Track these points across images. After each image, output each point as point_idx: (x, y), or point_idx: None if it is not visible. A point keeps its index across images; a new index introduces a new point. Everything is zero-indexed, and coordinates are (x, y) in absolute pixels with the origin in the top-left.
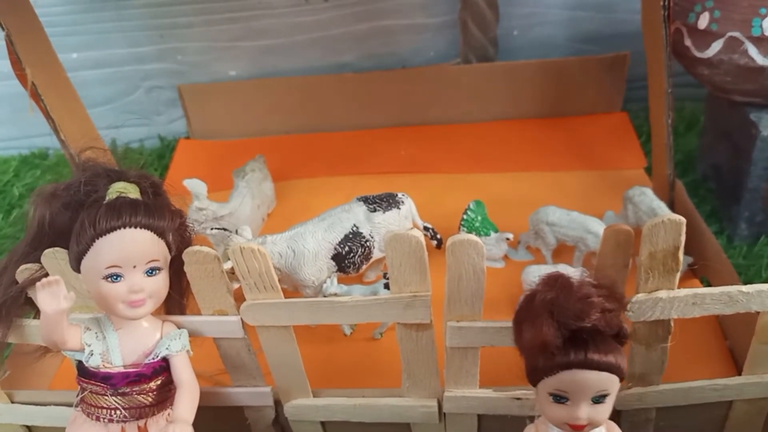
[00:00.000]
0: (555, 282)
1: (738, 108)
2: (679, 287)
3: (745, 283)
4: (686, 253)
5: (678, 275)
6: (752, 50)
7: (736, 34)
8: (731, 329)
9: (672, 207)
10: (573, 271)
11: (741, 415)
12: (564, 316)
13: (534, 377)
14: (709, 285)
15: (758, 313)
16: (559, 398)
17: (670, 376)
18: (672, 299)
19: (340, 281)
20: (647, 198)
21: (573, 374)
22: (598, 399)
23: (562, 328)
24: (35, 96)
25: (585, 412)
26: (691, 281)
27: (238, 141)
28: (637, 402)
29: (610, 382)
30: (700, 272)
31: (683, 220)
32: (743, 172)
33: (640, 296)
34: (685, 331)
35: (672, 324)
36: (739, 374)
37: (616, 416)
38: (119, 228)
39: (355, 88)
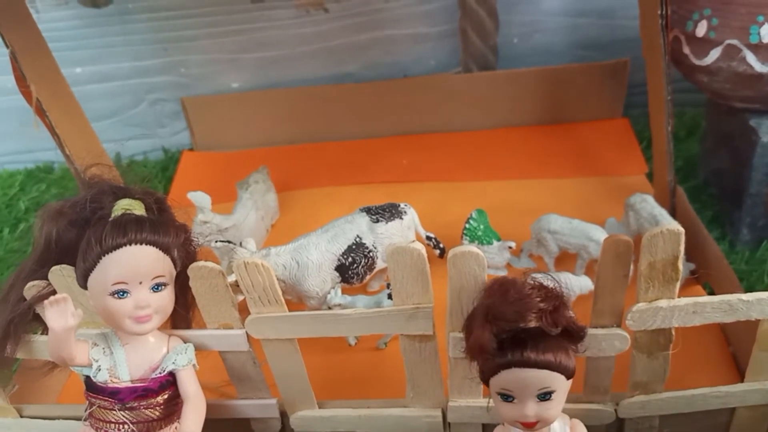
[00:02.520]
0: (493, 286)
1: (738, 114)
2: (681, 294)
3: (748, 288)
4: (688, 259)
5: (678, 284)
6: (750, 57)
7: (735, 41)
8: (734, 335)
9: (673, 213)
10: (575, 279)
11: (744, 421)
12: (500, 318)
13: (483, 378)
14: (711, 291)
15: (759, 320)
16: (506, 397)
17: (673, 383)
18: (672, 308)
19: (344, 292)
20: (648, 205)
21: (512, 373)
22: (544, 396)
23: (501, 331)
24: (40, 112)
25: (532, 409)
26: (693, 288)
27: (242, 152)
28: (640, 410)
29: (551, 380)
30: (702, 279)
31: (682, 230)
32: (744, 178)
33: (641, 305)
34: (687, 338)
35: (673, 333)
36: (742, 381)
37: (620, 424)
38: (125, 245)
39: (357, 98)
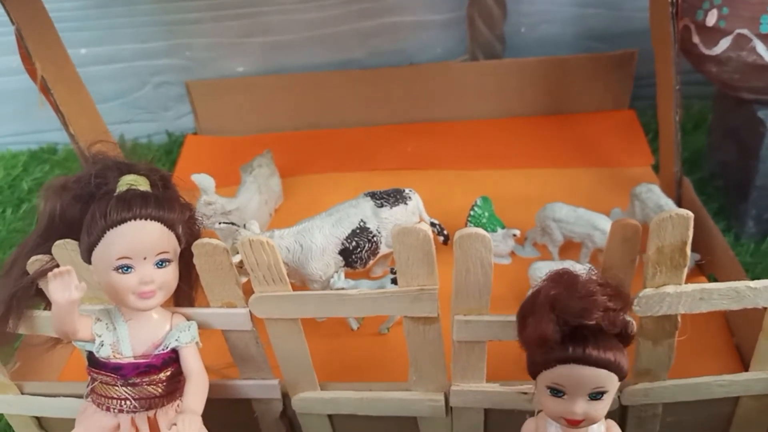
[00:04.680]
0: (560, 278)
1: (746, 105)
2: (686, 283)
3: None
4: (693, 250)
5: (685, 270)
6: (760, 47)
7: (745, 31)
8: (738, 326)
9: (679, 204)
10: (580, 268)
11: (748, 411)
12: (565, 312)
13: (533, 370)
14: (716, 282)
15: (765, 309)
16: (557, 392)
17: (677, 371)
18: (679, 294)
19: (347, 276)
20: (654, 195)
21: (570, 369)
22: (595, 395)
23: (563, 324)
24: (45, 90)
25: (581, 407)
26: (698, 278)
27: (246, 137)
28: (643, 397)
29: (607, 380)
30: (707, 269)
31: (691, 214)
32: (751, 170)
33: (648, 291)
34: (692, 328)
35: (679, 319)
36: (746, 371)
37: (622, 411)
38: (130, 220)
39: (362, 85)
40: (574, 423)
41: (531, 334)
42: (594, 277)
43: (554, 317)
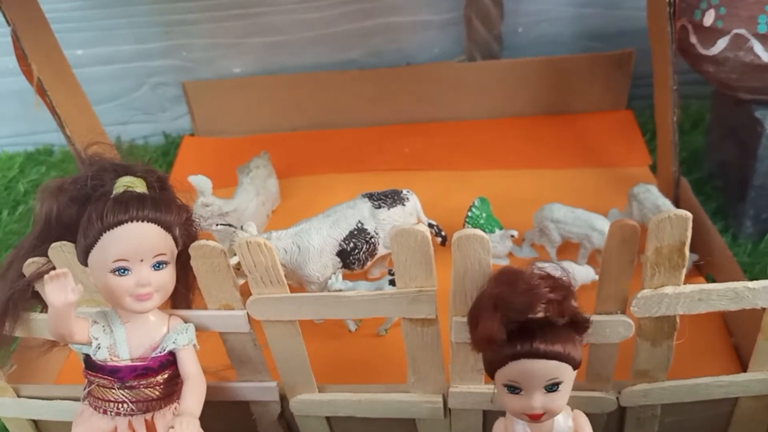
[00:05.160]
0: (501, 276)
1: (744, 106)
2: (684, 284)
3: (751, 280)
4: (691, 250)
5: (684, 271)
6: (758, 47)
7: (742, 31)
8: (736, 327)
9: (677, 204)
10: (578, 269)
11: (747, 411)
12: (508, 309)
13: (488, 369)
14: (714, 282)
15: (764, 309)
16: (513, 389)
17: (675, 373)
18: (678, 295)
19: (344, 278)
20: (652, 195)
21: (521, 364)
22: (551, 387)
23: (509, 322)
24: (41, 92)
25: (539, 401)
26: (696, 279)
27: (243, 138)
28: (642, 398)
29: (560, 371)
30: (705, 270)
31: (689, 215)
32: (749, 170)
33: (646, 292)
34: (690, 329)
35: (678, 320)
36: (745, 371)
37: (621, 412)
38: (127, 222)
39: (360, 85)
40: (535, 417)
41: (479, 335)
42: (535, 271)
43: (498, 315)
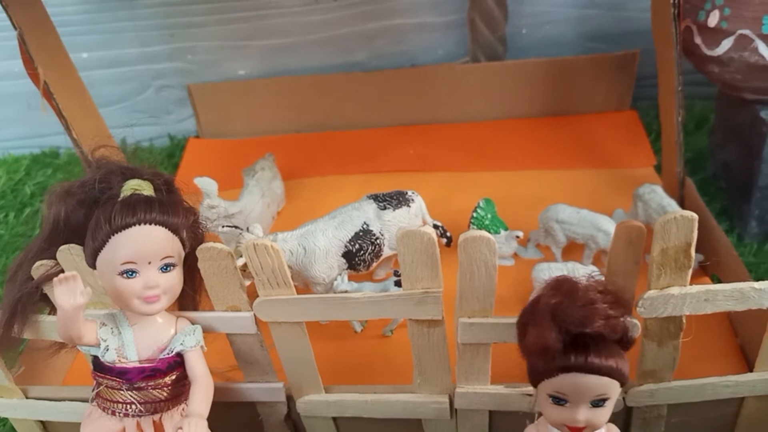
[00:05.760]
0: (560, 286)
1: (748, 106)
2: (690, 284)
3: (756, 280)
4: (697, 250)
5: (690, 272)
6: (762, 48)
7: (747, 31)
8: (742, 326)
9: (682, 205)
10: (583, 269)
11: (753, 411)
12: (566, 321)
13: (535, 378)
14: (719, 283)
15: None
16: (559, 400)
17: (682, 372)
18: (684, 296)
19: (350, 279)
20: (657, 195)
21: (573, 377)
22: (598, 403)
23: (564, 333)
24: (47, 95)
25: (584, 415)
26: (701, 279)
27: (248, 140)
28: (648, 398)
29: (610, 387)
30: (710, 270)
31: (695, 216)
32: (754, 170)
33: (652, 293)
34: (696, 328)
35: (684, 320)
36: (751, 371)
37: (627, 412)
38: (134, 224)
39: (364, 87)
40: (577, 431)
41: (532, 343)
42: (594, 284)
43: (555, 326)
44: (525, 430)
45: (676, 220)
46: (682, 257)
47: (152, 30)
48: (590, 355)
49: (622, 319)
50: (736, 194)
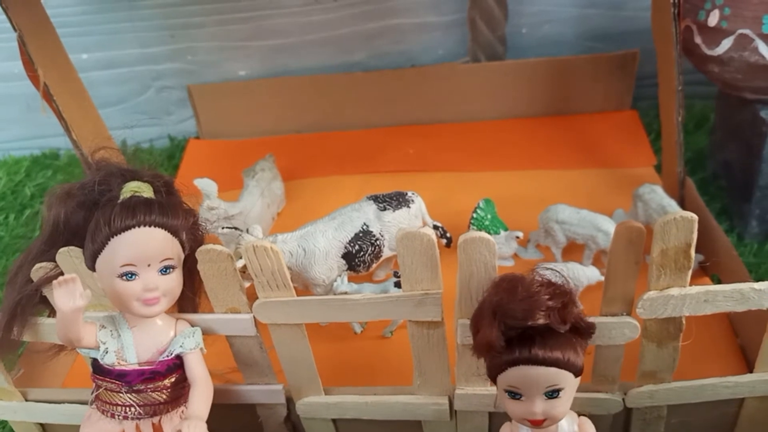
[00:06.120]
0: (502, 283)
1: (748, 105)
2: (690, 285)
3: (756, 281)
4: (697, 250)
5: (690, 272)
6: (762, 47)
7: (747, 31)
8: (742, 327)
9: (682, 205)
10: (583, 269)
11: (753, 412)
12: (507, 316)
13: (490, 375)
14: (719, 283)
15: None
16: (514, 394)
17: (681, 374)
18: (684, 296)
19: (350, 280)
20: (657, 195)
21: (520, 370)
22: (551, 394)
23: (510, 328)
24: (47, 96)
25: (539, 406)
26: (701, 279)
27: (248, 140)
28: (648, 399)
29: (560, 377)
30: (710, 270)
31: (695, 217)
32: (754, 170)
33: (652, 294)
34: (696, 329)
35: (683, 322)
36: (751, 372)
37: (627, 413)
38: (134, 227)
39: (364, 87)
40: (537, 423)
41: (478, 342)
42: (536, 278)
43: (497, 322)
44: (501, 427)
45: (676, 221)
46: (682, 258)
47: (152, 31)
48: (534, 347)
49: (568, 308)
50: (736, 194)
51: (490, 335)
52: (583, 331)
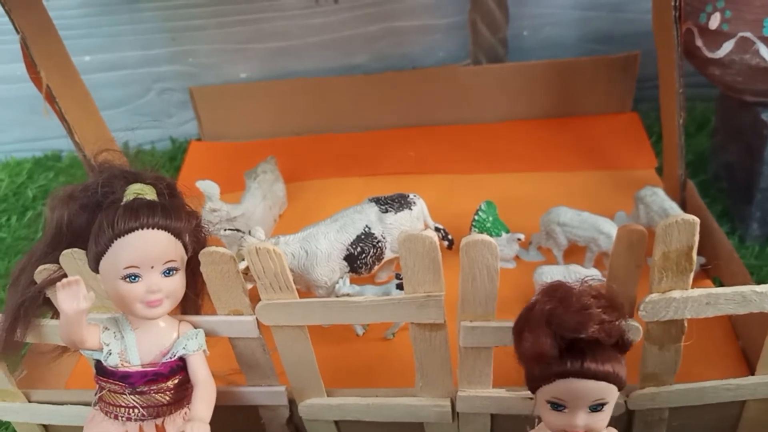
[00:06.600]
0: (554, 292)
1: (749, 108)
2: (691, 287)
3: (758, 283)
4: (698, 253)
5: (691, 275)
6: (764, 50)
7: (748, 34)
8: (744, 329)
9: (683, 207)
10: (585, 272)
11: (754, 414)
12: (561, 327)
13: (532, 385)
14: (721, 285)
15: None
16: (557, 406)
17: (683, 376)
18: (685, 299)
19: (352, 282)
20: (659, 198)
21: (570, 383)
22: (596, 407)
23: (560, 339)
24: (50, 99)
25: (582, 420)
26: (703, 281)
27: (250, 142)
28: (650, 402)
29: (607, 391)
30: (712, 272)
31: (697, 220)
32: (755, 172)
33: (654, 296)
34: (697, 332)
35: (685, 324)
36: (753, 374)
37: (629, 416)
38: (137, 229)
39: (365, 90)
40: None
41: (528, 350)
42: (588, 289)
43: (550, 332)
44: None
45: (678, 224)
46: (684, 261)
47: (154, 33)
48: (586, 360)
49: (617, 323)
50: (737, 196)
51: (544, 344)
52: (624, 345)
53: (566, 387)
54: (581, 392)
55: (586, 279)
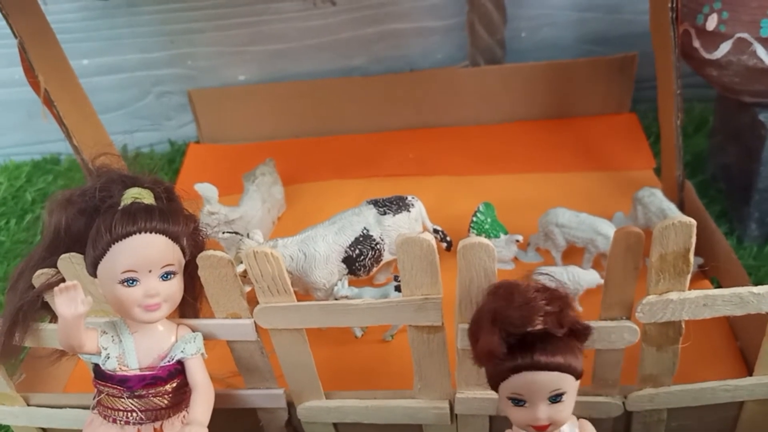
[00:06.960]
0: (498, 291)
1: (747, 109)
2: (689, 288)
3: (756, 283)
4: (696, 253)
5: (689, 277)
6: (761, 51)
7: (745, 35)
8: (742, 330)
9: (682, 208)
10: (583, 273)
11: (752, 415)
12: (506, 323)
13: (492, 384)
14: (719, 286)
15: None
16: (517, 401)
17: (681, 377)
18: (683, 301)
19: (350, 284)
20: (657, 199)
21: (524, 377)
22: (555, 398)
23: (509, 335)
24: (48, 102)
25: (544, 412)
26: (701, 282)
27: (248, 145)
28: (648, 403)
29: (563, 381)
30: (710, 273)
31: (693, 222)
32: (753, 173)
33: (651, 298)
34: (695, 332)
35: (683, 325)
36: (750, 375)
37: (627, 417)
38: (135, 233)
39: (363, 92)
40: (541, 429)
41: (480, 350)
42: (532, 284)
43: (497, 330)
44: None
45: (675, 226)
46: (681, 263)
47: (152, 36)
48: (536, 353)
49: (563, 312)
50: (735, 197)
51: (491, 343)
52: (579, 333)
53: (521, 381)
54: (536, 385)
55: (531, 274)
